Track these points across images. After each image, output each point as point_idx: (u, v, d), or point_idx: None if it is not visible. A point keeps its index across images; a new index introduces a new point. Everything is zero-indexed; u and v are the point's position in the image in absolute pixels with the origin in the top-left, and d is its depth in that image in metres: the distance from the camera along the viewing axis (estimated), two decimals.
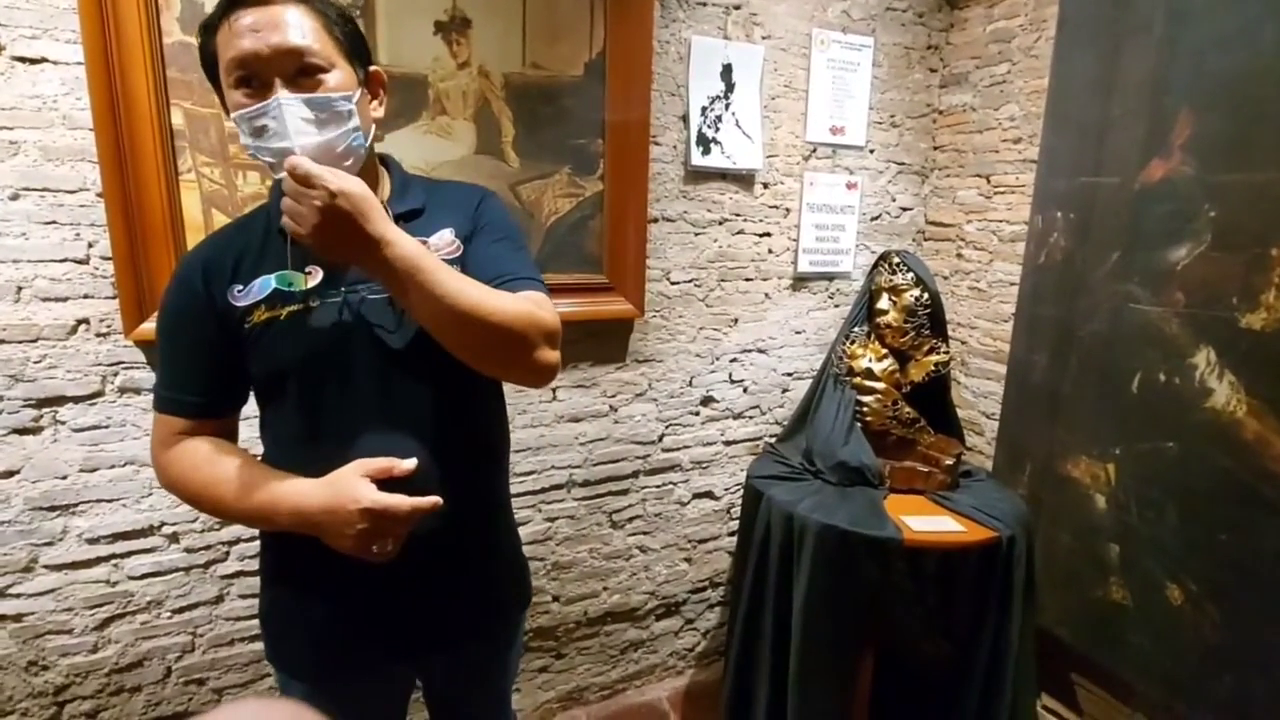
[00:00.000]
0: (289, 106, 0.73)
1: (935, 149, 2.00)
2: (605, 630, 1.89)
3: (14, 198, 1.15)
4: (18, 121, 1.13)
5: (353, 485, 0.76)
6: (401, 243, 0.72)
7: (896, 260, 1.60)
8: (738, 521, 1.94)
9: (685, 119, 1.66)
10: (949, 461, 1.52)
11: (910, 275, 1.57)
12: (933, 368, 1.57)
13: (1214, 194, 1.31)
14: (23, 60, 1.12)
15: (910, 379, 1.60)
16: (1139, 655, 1.48)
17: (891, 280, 1.59)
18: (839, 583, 1.36)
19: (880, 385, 1.58)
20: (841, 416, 1.56)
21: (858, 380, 1.60)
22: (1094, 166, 1.52)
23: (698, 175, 1.70)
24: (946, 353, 1.59)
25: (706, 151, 1.68)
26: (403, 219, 0.86)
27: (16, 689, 1.31)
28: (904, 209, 2.01)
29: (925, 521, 1.39)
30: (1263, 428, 1.27)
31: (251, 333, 0.81)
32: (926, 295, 1.57)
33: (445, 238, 0.87)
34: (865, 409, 1.58)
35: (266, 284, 0.81)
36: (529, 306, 0.81)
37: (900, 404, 1.58)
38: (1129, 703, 1.56)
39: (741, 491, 1.91)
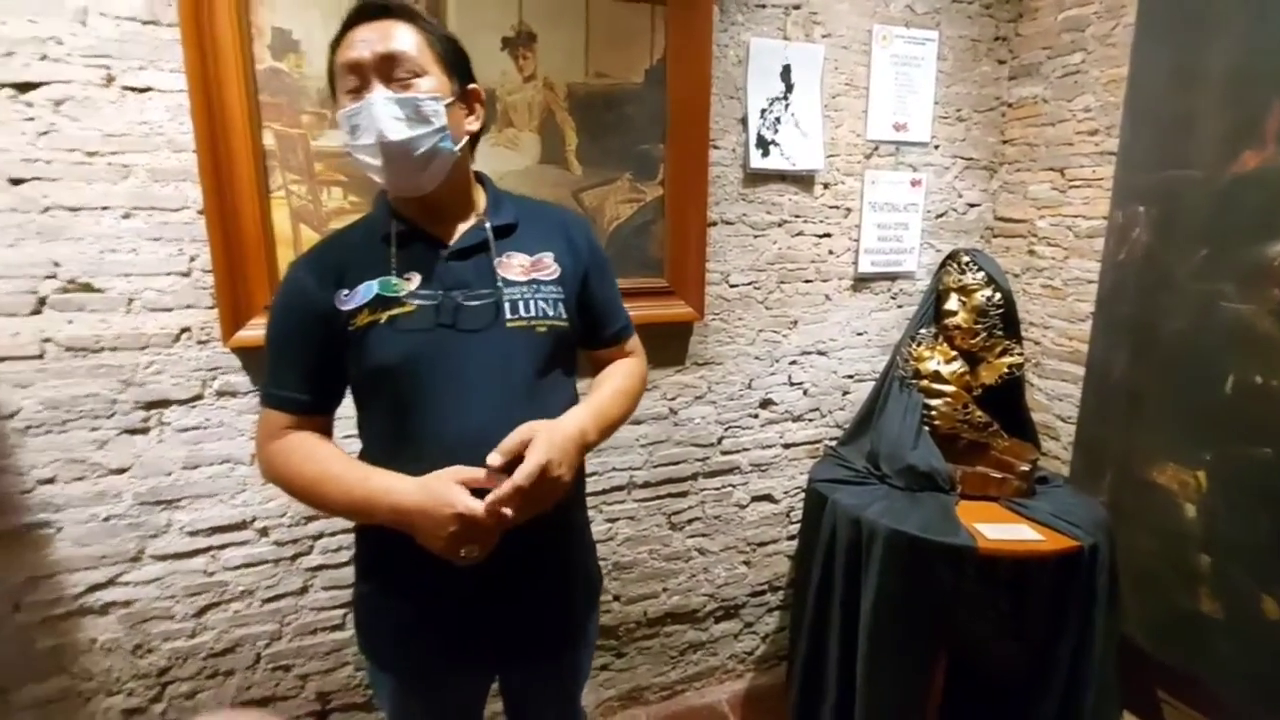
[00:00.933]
0: (378, 104, 0.81)
1: (1004, 143, 1.94)
2: (665, 631, 1.91)
3: (125, 216, 1.25)
4: (128, 146, 1.23)
5: (448, 489, 0.79)
6: (588, 430, 0.90)
7: (966, 259, 1.56)
8: (797, 525, 1.92)
9: (744, 121, 1.66)
10: (1024, 467, 1.47)
11: (981, 274, 1.53)
12: (1006, 370, 1.52)
13: None
14: (132, 89, 1.22)
15: (981, 381, 1.55)
16: (1229, 667, 1.40)
17: (960, 280, 1.55)
18: (909, 589, 1.34)
19: (949, 388, 1.54)
20: (909, 419, 1.53)
21: (925, 383, 1.56)
22: (1178, 159, 1.44)
23: (757, 178, 1.70)
24: (1020, 354, 1.54)
25: (765, 154, 1.67)
26: (499, 233, 0.92)
27: (124, 670, 1.41)
28: (971, 205, 1.96)
29: (1001, 529, 1.35)
30: None
31: (355, 335, 0.86)
32: (999, 295, 1.52)
33: (545, 261, 0.94)
34: (933, 412, 1.54)
35: (370, 289, 0.87)
36: (641, 370, 1.08)
37: (971, 407, 1.53)
38: (1214, 717, 1.48)
39: (801, 495, 1.89)
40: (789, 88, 1.67)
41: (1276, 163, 1.29)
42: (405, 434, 0.87)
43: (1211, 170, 1.40)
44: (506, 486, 0.78)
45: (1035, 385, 1.88)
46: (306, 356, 0.89)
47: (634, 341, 1.10)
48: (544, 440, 0.81)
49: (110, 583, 1.36)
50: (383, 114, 0.81)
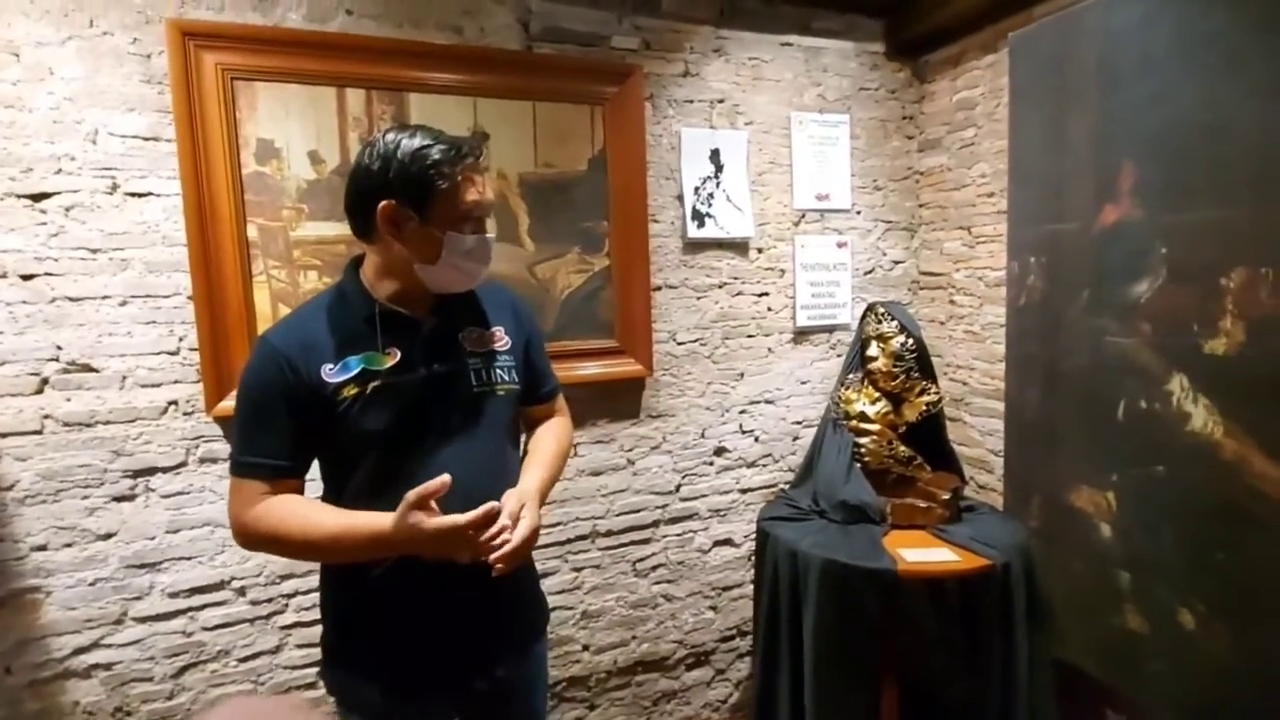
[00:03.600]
0: (492, 243, 1.04)
1: (920, 206, 2.16)
2: (636, 680, 1.96)
3: (123, 304, 1.41)
4: (128, 243, 1.40)
5: (417, 518, 0.89)
6: (545, 493, 1.07)
7: (881, 310, 1.74)
8: None
9: (680, 198, 1.86)
10: (946, 496, 1.60)
11: (895, 323, 1.70)
12: (924, 407, 1.67)
13: (1164, 233, 1.43)
14: (134, 195, 1.40)
15: (905, 419, 1.70)
16: (1159, 682, 1.48)
17: (878, 329, 1.72)
18: (844, 616, 1.43)
19: (875, 426, 1.68)
20: (841, 458, 1.66)
21: (854, 423, 1.71)
22: (1056, 215, 1.65)
23: (695, 246, 1.90)
24: (936, 393, 1.69)
25: (701, 225, 1.88)
26: (462, 312, 1.08)
27: None
28: (896, 262, 2.16)
29: (921, 553, 1.46)
30: (1240, 447, 1.32)
31: (341, 405, 0.96)
32: (911, 341, 1.69)
33: (499, 334, 1.11)
34: (863, 449, 1.68)
35: (355, 364, 0.98)
36: (568, 426, 1.25)
37: (895, 443, 1.67)
38: None
39: None
40: (719, 168, 1.89)
41: (1132, 215, 1.49)
42: (386, 487, 0.95)
43: (1083, 223, 1.60)
44: (514, 543, 0.94)
45: (967, 423, 2.03)
46: (290, 425, 0.96)
47: (561, 400, 1.27)
48: (533, 507, 1.00)
49: (94, 645, 1.44)
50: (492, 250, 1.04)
